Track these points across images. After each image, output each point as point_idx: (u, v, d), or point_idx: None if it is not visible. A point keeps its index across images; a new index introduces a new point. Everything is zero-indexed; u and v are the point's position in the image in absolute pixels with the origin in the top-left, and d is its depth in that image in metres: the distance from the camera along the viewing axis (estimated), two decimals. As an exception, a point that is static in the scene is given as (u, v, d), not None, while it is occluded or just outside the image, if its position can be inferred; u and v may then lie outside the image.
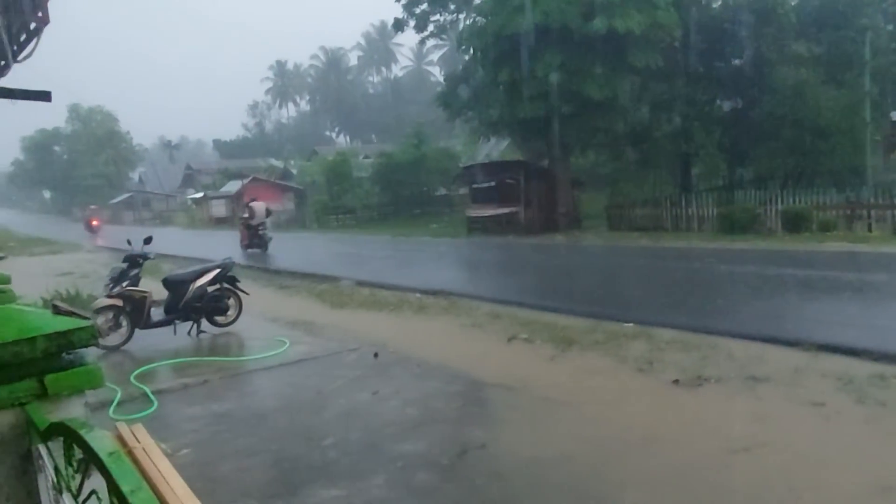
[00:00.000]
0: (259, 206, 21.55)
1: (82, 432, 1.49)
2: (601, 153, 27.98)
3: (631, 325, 7.45)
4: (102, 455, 1.34)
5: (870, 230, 16.75)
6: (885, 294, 9.04)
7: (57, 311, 2.53)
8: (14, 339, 2.11)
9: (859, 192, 18.30)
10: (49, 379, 2.22)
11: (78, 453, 1.65)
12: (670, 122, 23.90)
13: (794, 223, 17.36)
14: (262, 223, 21.32)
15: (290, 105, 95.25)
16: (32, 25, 4.81)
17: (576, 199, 25.04)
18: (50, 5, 5.09)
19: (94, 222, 43.75)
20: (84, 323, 2.38)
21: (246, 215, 21.43)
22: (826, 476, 3.66)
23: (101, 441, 1.42)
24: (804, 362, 5.68)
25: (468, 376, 5.94)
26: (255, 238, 20.99)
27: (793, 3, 22.74)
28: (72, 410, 2.40)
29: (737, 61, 23.84)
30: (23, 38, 5.41)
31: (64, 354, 2.30)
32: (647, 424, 4.57)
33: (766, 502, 3.45)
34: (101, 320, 7.24)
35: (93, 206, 50.79)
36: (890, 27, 23.82)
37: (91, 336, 2.37)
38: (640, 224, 21.75)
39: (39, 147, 76.08)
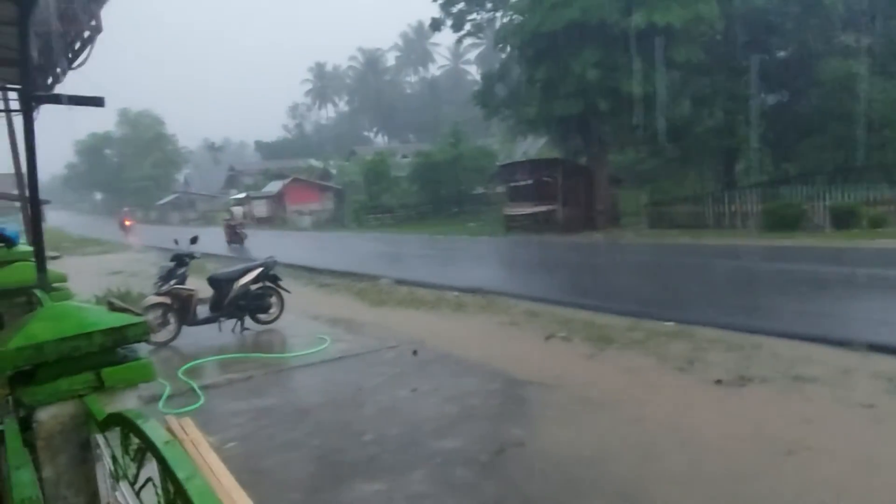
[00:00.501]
0: (238, 210, 28.18)
1: (138, 422, 1.58)
2: (640, 150, 27.53)
3: (671, 323, 7.34)
4: (159, 444, 1.42)
5: (924, 226, 16.10)
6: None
7: (112, 307, 2.67)
8: (73, 334, 2.24)
9: (912, 188, 17.60)
10: (106, 372, 2.34)
11: (134, 442, 1.74)
12: (712, 117, 23.35)
13: (843, 220, 16.79)
14: (241, 223, 26.90)
15: (329, 106, 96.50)
16: (86, 34, 5.04)
17: (614, 196, 24.71)
18: (102, 14, 5.31)
19: (127, 222, 47.20)
20: (137, 319, 2.49)
21: (228, 217, 27.31)
22: (875, 481, 3.56)
23: (156, 431, 1.50)
24: (854, 363, 5.51)
25: (506, 374, 5.94)
26: (234, 235, 26.13)
27: (841, -7, 21.94)
28: (126, 403, 2.52)
29: (781, 54, 23.16)
30: (77, 45, 5.66)
31: (118, 349, 2.42)
32: (687, 425, 4.50)
33: (812, 505, 3.37)
34: (150, 317, 7.49)
35: (125, 208, 54.80)
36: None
37: (144, 332, 2.48)
38: (681, 221, 21.34)
39: (91, 150, 79.01)
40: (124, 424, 1.80)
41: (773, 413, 4.62)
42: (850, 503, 3.35)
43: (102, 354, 2.36)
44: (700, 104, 23.31)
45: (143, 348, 2.67)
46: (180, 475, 1.28)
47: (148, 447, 1.52)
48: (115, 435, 2.00)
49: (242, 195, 54.99)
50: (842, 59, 20.83)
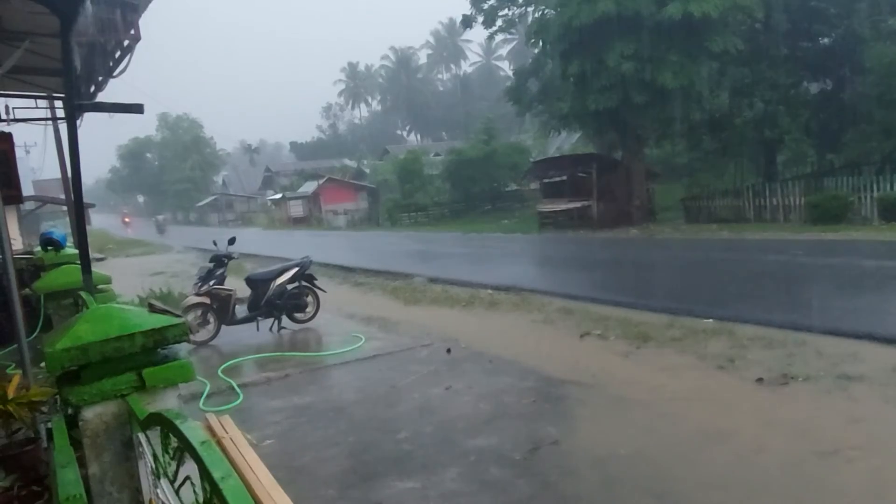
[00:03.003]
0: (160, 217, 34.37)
1: (177, 422, 1.62)
2: (677, 143, 26.99)
3: (710, 320, 7.19)
4: (195, 444, 1.46)
5: (980, 217, 15.40)
6: None
7: (152, 309, 2.73)
8: (116, 336, 2.31)
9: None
10: (147, 372, 2.41)
11: (173, 442, 1.79)
12: (752, 108, 22.74)
13: (892, 211, 16.17)
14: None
15: (363, 105, 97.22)
16: (126, 43, 5.20)
17: (650, 191, 24.29)
18: (140, 23, 5.47)
19: (126, 219, 60.36)
20: (177, 320, 2.56)
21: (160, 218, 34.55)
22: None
23: (193, 431, 1.54)
24: (902, 361, 5.31)
25: (540, 372, 5.91)
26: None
27: (889, -25, 21.13)
28: (167, 402, 2.59)
29: (825, 41, 22.40)
30: (117, 54, 5.84)
31: (159, 350, 2.49)
32: (727, 424, 4.40)
33: (859, 508, 3.27)
34: (190, 317, 7.68)
35: (125, 209, 66.67)
36: None
37: (183, 333, 2.55)
38: (720, 216, 20.86)
39: (133, 154, 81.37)
40: (164, 424, 1.85)
41: (817, 413, 4.49)
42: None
43: (144, 355, 2.43)
44: (739, 95, 22.73)
45: (183, 348, 2.74)
46: (216, 475, 1.32)
47: (185, 447, 1.57)
48: (156, 434, 2.06)
49: (279, 196, 55.92)
50: (889, 44, 20.05)
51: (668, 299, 8.88)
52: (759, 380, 5.17)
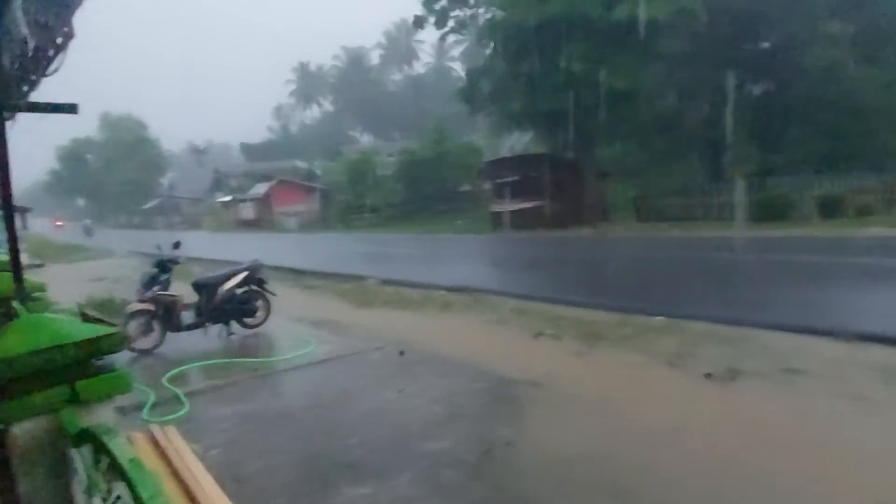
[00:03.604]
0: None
1: (105, 439, 1.51)
2: (627, 143, 27.63)
3: (661, 318, 7.32)
4: (123, 461, 1.36)
5: (910, 213, 16.26)
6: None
7: (86, 318, 2.58)
8: (46, 347, 2.16)
9: (897, 175, 17.75)
10: (80, 385, 2.26)
11: (105, 459, 1.68)
12: (699, 109, 23.48)
13: (830, 209, 16.94)
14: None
15: (314, 106, 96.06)
16: (59, 40, 4.92)
17: (602, 190, 24.77)
18: (75, 19, 5.19)
19: (58, 223, 60.89)
20: (112, 329, 2.41)
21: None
22: (867, 472, 3.54)
23: (122, 448, 1.44)
24: (844, 353, 5.51)
25: (494, 373, 5.89)
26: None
27: (824, -18, 22.11)
28: (102, 415, 2.44)
29: (766, 44, 23.31)
30: (50, 52, 5.53)
31: (94, 360, 2.35)
32: (677, 420, 4.47)
33: (804, 499, 3.35)
34: (133, 325, 7.36)
35: (57, 213, 66.80)
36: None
37: (119, 342, 2.40)
38: (670, 214, 21.43)
39: (73, 156, 78.17)
40: (94, 441, 1.73)
41: (764, 406, 4.60)
42: (844, 495, 3.34)
43: (77, 367, 2.28)
44: (686, 96, 23.45)
45: (119, 359, 2.59)
46: (143, 494, 1.23)
47: (113, 464, 1.47)
48: (89, 449, 1.93)
49: (228, 198, 54.69)
50: (827, 47, 21.00)
51: (620, 298, 9.03)
52: (708, 375, 5.27)
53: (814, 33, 21.38)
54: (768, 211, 17.86)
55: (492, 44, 24.55)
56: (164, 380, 6.22)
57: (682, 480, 3.63)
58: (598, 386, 5.32)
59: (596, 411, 4.76)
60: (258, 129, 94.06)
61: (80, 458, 1.99)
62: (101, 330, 2.38)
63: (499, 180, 27.30)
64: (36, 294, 6.48)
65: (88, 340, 2.30)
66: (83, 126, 75.93)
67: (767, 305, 7.91)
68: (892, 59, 20.51)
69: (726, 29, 22.34)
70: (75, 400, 2.30)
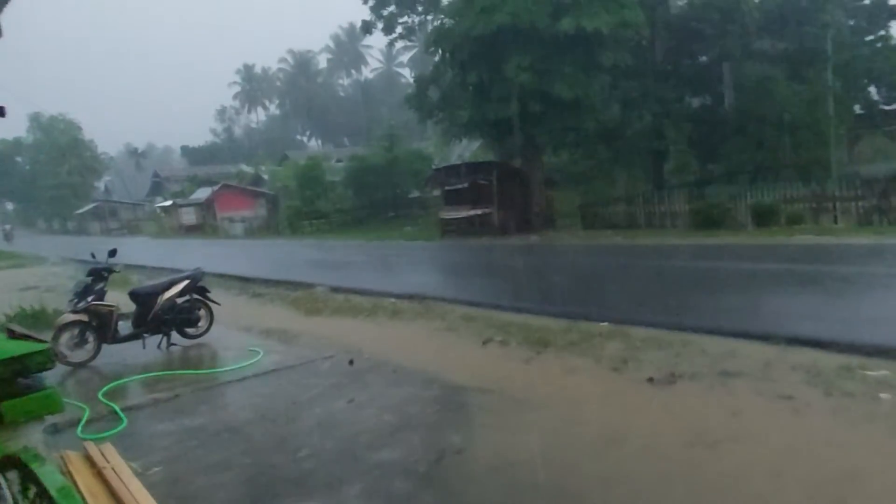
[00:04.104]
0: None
1: (33, 466, 1.44)
2: (574, 152, 28.22)
3: (606, 324, 7.49)
4: (52, 490, 1.29)
5: (836, 222, 17.17)
6: (851, 286, 9.25)
7: (12, 334, 2.45)
8: (-34, 367, 2.04)
9: (825, 185, 18.74)
10: (6, 406, 2.14)
11: (33, 486, 1.59)
12: (641, 120, 24.21)
13: (764, 218, 17.71)
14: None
15: (260, 109, 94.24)
16: (-17, 37, 4.68)
17: (549, 198, 25.19)
18: (3, 18, 4.95)
19: None
20: (40, 346, 2.30)
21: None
22: (794, 467, 3.72)
23: (51, 475, 1.37)
24: (774, 356, 5.77)
25: (444, 380, 5.90)
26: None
27: (756, 1, 23.19)
28: (30, 437, 2.31)
29: (703, 59, 24.26)
30: (-25, 49, 5.25)
31: (20, 379, 2.22)
32: (621, 423, 4.59)
33: (736, 494, 3.49)
34: (65, 337, 7.04)
35: None
36: (851, 22, 24.44)
37: (48, 359, 2.29)
38: (614, 222, 21.97)
39: (0, 158, 74.09)
40: (19, 467, 1.64)
41: (701, 408, 4.77)
42: (775, 489, 3.49)
43: (2, 386, 2.16)
44: (629, 107, 24.11)
45: (50, 376, 2.46)
46: (76, 526, 1.17)
47: (41, 493, 1.39)
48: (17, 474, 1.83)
49: (169, 203, 53.00)
50: (758, 63, 22.03)
51: (566, 304, 9.20)
52: (650, 379, 5.43)
53: (746, 50, 22.43)
54: (706, 219, 18.56)
55: (440, 52, 24.65)
56: (99, 394, 5.97)
57: (625, 481, 3.73)
58: (546, 391, 5.40)
59: (544, 417, 4.83)
60: (201, 132, 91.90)
61: (6, 484, 1.88)
62: (29, 347, 2.26)
63: (448, 187, 27.40)
64: (-41, 306, 6.13)
65: (14, 359, 2.18)
66: (11, 126, 72.19)
67: (705, 311, 8.21)
68: (818, 76, 21.69)
69: (667, 44, 23.19)
70: (-1, 422, 2.17)
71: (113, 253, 7.86)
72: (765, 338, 6.29)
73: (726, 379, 5.29)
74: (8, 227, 59.61)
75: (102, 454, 4.27)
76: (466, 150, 41.76)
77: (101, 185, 77.81)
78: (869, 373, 5.15)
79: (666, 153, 24.47)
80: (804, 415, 4.48)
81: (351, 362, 6.66)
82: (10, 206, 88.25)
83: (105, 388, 6.14)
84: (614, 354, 6.24)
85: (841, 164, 22.40)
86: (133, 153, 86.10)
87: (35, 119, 71.08)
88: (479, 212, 24.26)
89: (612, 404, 5.04)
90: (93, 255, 7.96)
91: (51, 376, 2.36)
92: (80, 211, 67.98)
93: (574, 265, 14.96)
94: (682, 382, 5.33)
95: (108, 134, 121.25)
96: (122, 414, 5.43)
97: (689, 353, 6.09)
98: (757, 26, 22.69)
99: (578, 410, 4.94)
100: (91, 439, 4.61)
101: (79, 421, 5.28)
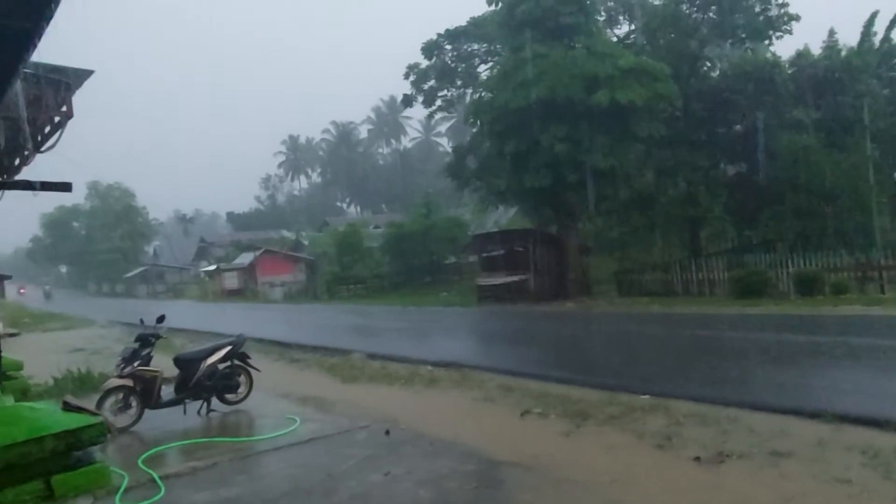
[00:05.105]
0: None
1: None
2: (608, 218, 28.22)
3: (647, 397, 7.29)
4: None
5: (882, 292, 16.57)
6: (905, 360, 8.85)
7: (67, 407, 2.54)
8: (23, 440, 2.11)
9: (869, 254, 18.19)
10: (56, 480, 2.21)
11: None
12: (676, 187, 24.18)
13: (807, 286, 17.20)
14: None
15: (302, 177, 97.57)
16: (57, 119, 5.07)
17: (585, 264, 25.06)
18: (75, 99, 5.36)
19: (21, 291, 65.43)
20: (93, 419, 2.38)
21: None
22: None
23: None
24: (827, 435, 5.52)
25: (482, 454, 5.79)
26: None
27: (790, 72, 23.38)
28: (77, 508, 2.36)
29: (738, 127, 24.33)
30: (47, 129, 5.67)
31: (73, 452, 2.29)
32: (667, 506, 4.40)
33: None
34: (110, 401, 7.18)
35: (22, 283, 69.76)
36: (886, 91, 24.35)
37: (100, 433, 2.37)
38: (651, 289, 21.64)
39: (58, 223, 77.95)
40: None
41: (752, 491, 4.55)
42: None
43: (54, 459, 2.23)
44: (664, 175, 24.19)
45: (99, 450, 2.53)
46: None
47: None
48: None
49: (213, 267, 54.43)
50: (794, 132, 21.97)
51: (605, 375, 9.00)
52: (697, 458, 5.23)
53: (781, 119, 22.45)
54: (746, 287, 18.10)
55: (478, 123, 25.37)
56: (139, 461, 6.01)
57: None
58: (587, 469, 5.24)
59: (585, 496, 4.68)
60: (246, 199, 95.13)
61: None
62: (82, 420, 2.35)
63: (484, 254, 27.58)
64: (12, 373, 6.33)
65: (68, 432, 2.26)
66: (71, 194, 75.91)
67: (751, 384, 7.93)
68: (856, 144, 21.48)
69: (700, 114, 23.40)
70: (49, 497, 2.23)
71: (161, 319, 8.08)
72: (816, 415, 6.03)
73: (777, 459, 5.06)
74: (48, 287, 69.09)
75: (141, 524, 4.28)
76: (502, 216, 42.16)
77: (150, 249, 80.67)
78: (931, 456, 4.88)
79: (701, 220, 24.26)
80: (863, 501, 4.23)
81: (387, 433, 6.60)
82: (63, 268, 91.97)
83: (145, 455, 6.19)
84: (657, 430, 6.04)
85: (885, 232, 21.78)
86: (181, 219, 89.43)
87: (93, 187, 74.95)
88: (515, 278, 24.23)
89: (658, 485, 4.84)
90: (141, 321, 8.19)
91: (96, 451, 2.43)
92: (129, 274, 70.38)
93: (612, 334, 14.68)
94: (730, 462, 5.12)
95: (158, 200, 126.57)
96: (160, 482, 5.45)
97: (737, 430, 5.87)
98: (791, 96, 22.79)
99: (622, 491, 4.76)
100: (130, 508, 4.63)
101: (118, 488, 5.32)
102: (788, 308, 15.36)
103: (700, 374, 8.84)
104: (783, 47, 24.64)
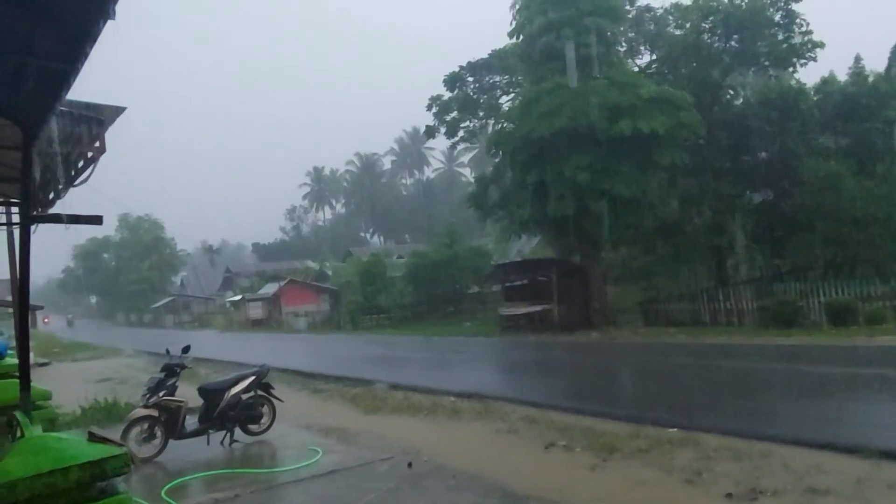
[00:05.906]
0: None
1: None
2: (633, 248, 27.94)
3: (675, 430, 7.11)
4: None
5: (920, 321, 16.04)
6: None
7: (92, 437, 2.56)
8: (49, 470, 2.13)
9: (905, 282, 17.68)
10: (79, 513, 2.21)
11: None
12: (701, 216, 23.89)
13: (840, 316, 16.71)
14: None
15: (326, 208, 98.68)
16: (90, 154, 5.24)
17: (609, 294, 24.76)
18: (108, 135, 5.54)
19: (46, 320, 64.30)
20: (118, 450, 2.39)
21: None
22: None
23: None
24: (866, 471, 5.31)
25: (505, 488, 5.68)
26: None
27: (815, 99, 23.15)
28: (100, 540, 2.35)
29: (763, 155, 24.05)
30: (80, 164, 5.85)
31: (97, 483, 2.30)
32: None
33: None
34: (135, 431, 7.23)
35: (47, 313, 67.52)
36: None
37: (124, 464, 2.37)
38: (677, 319, 21.27)
39: (89, 255, 79.71)
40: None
41: (787, 530, 4.39)
42: None
43: (79, 490, 2.24)
44: (688, 203, 23.92)
45: (122, 480, 2.53)
46: None
47: None
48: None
49: (238, 297, 55.00)
50: (822, 159, 21.65)
51: (631, 407, 8.82)
52: (728, 495, 5.06)
53: (807, 146, 22.15)
54: (776, 317, 17.64)
55: (500, 153, 25.49)
56: (162, 492, 6.02)
57: None
58: (613, 505, 5.10)
59: (612, 534, 4.54)
60: (272, 230, 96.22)
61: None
62: (107, 451, 2.35)
63: (507, 283, 27.44)
64: (40, 403, 6.43)
65: (93, 462, 2.27)
66: (103, 226, 77.73)
67: (784, 418, 7.69)
68: (886, 170, 21.09)
69: (724, 141, 23.23)
70: (73, 527, 2.23)
71: (187, 349, 8.16)
72: (854, 450, 5.81)
73: (814, 497, 4.88)
74: (70, 316, 73.55)
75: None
76: (525, 246, 42.03)
77: (177, 279, 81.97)
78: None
79: (728, 248, 23.86)
80: (906, 542, 4.04)
81: (410, 465, 6.53)
82: (93, 299, 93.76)
83: (168, 486, 6.20)
84: (686, 465, 5.87)
85: (920, 261, 21.18)
86: (208, 250, 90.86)
87: (123, 219, 76.71)
88: (538, 308, 24.02)
89: (687, 522, 4.69)
90: (167, 351, 8.27)
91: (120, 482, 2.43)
92: (156, 304, 71.46)
93: (638, 364, 14.41)
94: (764, 499, 4.94)
95: (186, 231, 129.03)
96: (183, 513, 5.45)
97: (770, 465, 5.68)
98: (817, 123, 22.52)
99: (650, 527, 4.63)
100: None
101: (141, 520, 5.32)
102: (821, 338, 14.94)
103: (730, 407, 8.60)
104: (808, 74, 24.30)
